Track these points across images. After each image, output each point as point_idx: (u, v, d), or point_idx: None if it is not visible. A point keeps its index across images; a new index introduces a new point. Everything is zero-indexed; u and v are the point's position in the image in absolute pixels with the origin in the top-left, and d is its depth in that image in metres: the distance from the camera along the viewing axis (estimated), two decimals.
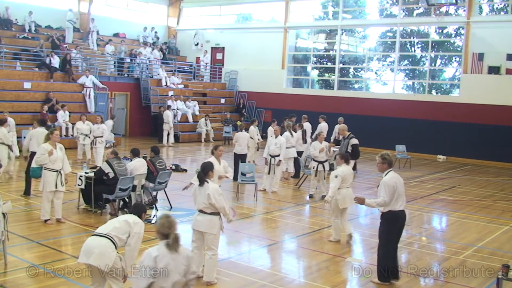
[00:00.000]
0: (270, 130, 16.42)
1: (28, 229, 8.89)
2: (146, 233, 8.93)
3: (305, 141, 15.22)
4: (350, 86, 26.87)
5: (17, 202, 10.45)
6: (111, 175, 9.78)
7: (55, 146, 9.23)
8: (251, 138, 16.76)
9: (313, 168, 12.45)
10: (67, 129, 18.95)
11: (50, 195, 9.17)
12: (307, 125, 16.44)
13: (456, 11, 23.34)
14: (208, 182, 6.70)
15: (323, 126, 17.20)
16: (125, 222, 5.67)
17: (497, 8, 23.65)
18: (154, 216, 10.34)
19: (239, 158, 13.84)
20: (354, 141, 12.58)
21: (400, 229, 7.10)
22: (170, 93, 24.43)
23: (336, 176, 8.71)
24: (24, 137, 17.14)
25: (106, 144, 16.49)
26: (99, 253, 5.39)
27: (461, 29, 23.23)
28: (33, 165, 9.62)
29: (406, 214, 7.14)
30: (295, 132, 14.96)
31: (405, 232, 9.96)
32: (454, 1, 21.50)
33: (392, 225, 6.96)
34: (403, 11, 24.45)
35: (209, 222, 6.70)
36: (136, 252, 5.76)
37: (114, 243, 5.51)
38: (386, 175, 7.02)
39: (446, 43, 25.56)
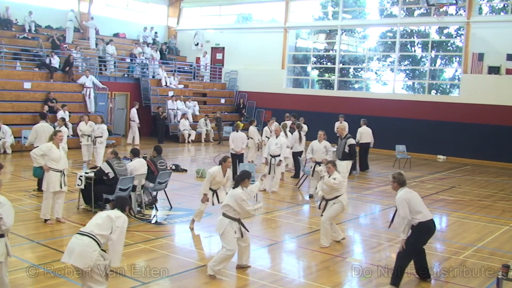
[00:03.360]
0: (266, 130, 16.49)
1: (28, 229, 8.89)
2: (145, 233, 9.01)
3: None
4: (350, 86, 26.87)
5: (17, 202, 10.44)
6: (111, 175, 9.79)
7: (58, 146, 9.28)
8: (251, 138, 16.78)
9: (311, 168, 12.46)
10: (68, 129, 18.92)
11: (52, 195, 9.18)
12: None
13: (456, 11, 23.34)
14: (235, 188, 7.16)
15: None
16: (107, 218, 5.63)
17: (497, 8, 23.65)
18: (154, 216, 10.35)
19: (236, 158, 13.82)
20: (351, 141, 12.60)
21: (428, 238, 7.20)
22: (170, 93, 24.43)
23: (335, 178, 8.55)
24: (25, 137, 17.33)
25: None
26: (79, 253, 5.36)
27: (461, 29, 23.24)
28: (35, 164, 9.62)
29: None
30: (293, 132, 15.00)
31: None
32: (454, 1, 21.47)
33: (424, 235, 7.03)
34: (403, 11, 24.45)
35: (218, 223, 7.16)
36: (120, 246, 5.67)
37: (97, 242, 5.45)
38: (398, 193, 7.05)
39: (446, 43, 25.56)
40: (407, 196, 6.89)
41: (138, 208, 10.43)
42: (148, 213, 10.45)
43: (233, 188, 7.18)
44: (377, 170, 17.76)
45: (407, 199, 6.86)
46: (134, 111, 21.54)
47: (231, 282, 7.03)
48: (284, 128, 14.51)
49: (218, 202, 8.92)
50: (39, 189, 10.71)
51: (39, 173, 9.83)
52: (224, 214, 7.10)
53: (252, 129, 16.63)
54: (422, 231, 6.92)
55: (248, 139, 16.27)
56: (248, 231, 7.45)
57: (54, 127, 14.33)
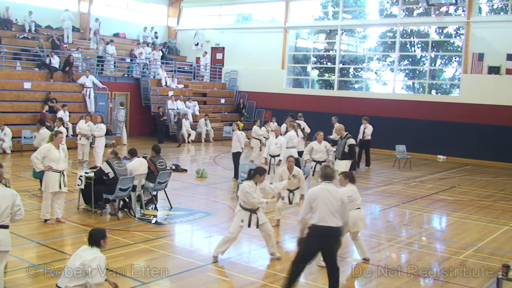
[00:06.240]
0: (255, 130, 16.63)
1: (28, 229, 8.89)
2: (145, 233, 9.01)
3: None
4: (350, 86, 26.87)
5: None
6: (111, 175, 9.78)
7: (58, 147, 9.28)
8: (254, 138, 16.76)
9: (311, 168, 12.46)
10: (67, 129, 18.90)
11: (51, 196, 9.19)
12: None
13: (456, 11, 23.35)
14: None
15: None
16: (80, 266, 5.23)
17: (497, 8, 23.66)
18: (154, 216, 10.34)
19: (239, 156, 14.06)
20: (351, 141, 12.59)
21: (323, 248, 6.26)
22: (170, 93, 24.42)
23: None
24: (25, 137, 17.33)
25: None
26: None
27: (461, 29, 23.24)
28: (35, 168, 9.61)
29: (337, 232, 6.21)
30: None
31: (405, 232, 10.03)
32: (454, 1, 21.50)
33: (315, 240, 6.19)
34: (403, 11, 24.45)
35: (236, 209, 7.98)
36: (101, 286, 5.31)
37: None
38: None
39: (446, 43, 25.57)
40: (317, 193, 6.21)
41: (139, 208, 10.44)
42: (148, 213, 10.44)
43: (246, 179, 7.86)
44: (377, 170, 17.76)
45: (314, 195, 6.20)
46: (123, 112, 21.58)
47: (231, 282, 7.03)
48: (295, 127, 14.57)
49: (290, 203, 9.76)
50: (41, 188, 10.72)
51: (39, 175, 9.82)
52: (239, 203, 7.79)
53: (255, 128, 16.62)
54: (313, 236, 6.18)
55: (250, 139, 16.31)
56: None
57: (53, 127, 14.32)
